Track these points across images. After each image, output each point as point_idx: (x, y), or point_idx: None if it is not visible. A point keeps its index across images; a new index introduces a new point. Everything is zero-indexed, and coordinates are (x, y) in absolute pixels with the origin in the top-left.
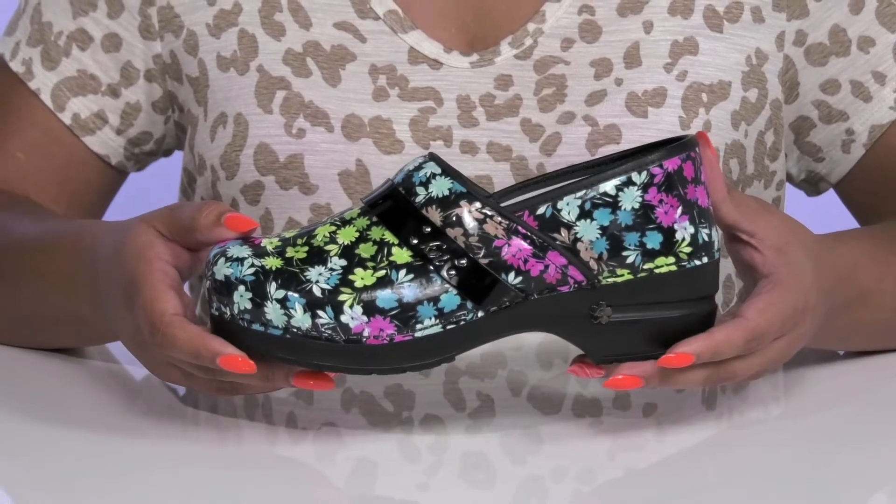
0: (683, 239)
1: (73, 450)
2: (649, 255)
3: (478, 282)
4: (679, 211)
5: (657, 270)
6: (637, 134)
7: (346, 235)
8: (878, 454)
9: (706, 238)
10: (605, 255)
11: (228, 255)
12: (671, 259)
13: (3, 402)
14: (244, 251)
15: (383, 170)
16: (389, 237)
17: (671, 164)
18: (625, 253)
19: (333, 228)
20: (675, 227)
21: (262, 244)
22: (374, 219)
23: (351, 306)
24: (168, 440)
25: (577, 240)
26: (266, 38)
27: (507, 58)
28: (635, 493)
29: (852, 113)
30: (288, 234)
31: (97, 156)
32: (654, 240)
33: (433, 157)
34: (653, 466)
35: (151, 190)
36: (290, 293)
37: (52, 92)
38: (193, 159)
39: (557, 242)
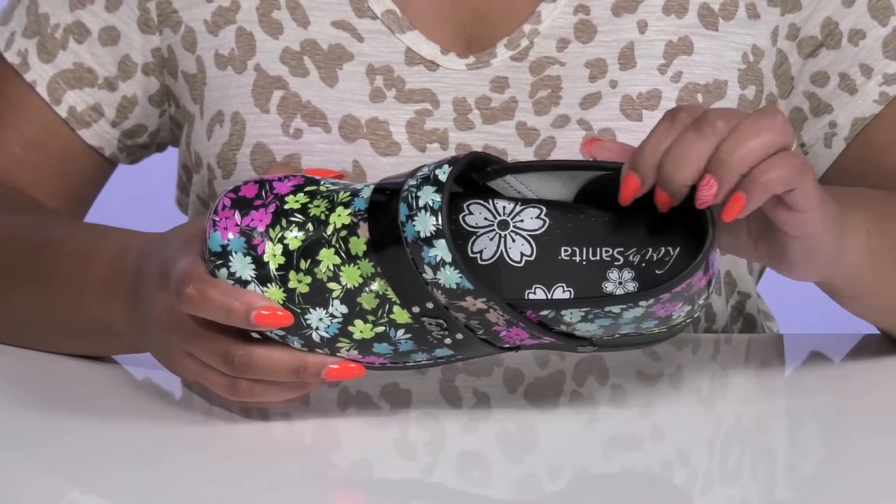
0: (679, 316)
1: (68, 446)
2: (642, 329)
3: (473, 346)
4: (679, 305)
5: (646, 331)
6: (632, 138)
7: (350, 277)
8: (877, 460)
9: (700, 306)
10: (600, 336)
11: (231, 271)
12: (663, 327)
13: (6, 398)
14: (247, 268)
15: (380, 171)
16: (392, 295)
17: (681, 286)
18: (618, 333)
19: (339, 261)
20: (673, 314)
21: (265, 254)
22: (379, 269)
23: (348, 350)
24: (162, 441)
25: (574, 332)
26: (264, 37)
27: (503, 59)
28: (631, 492)
29: (837, 106)
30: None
31: (91, 148)
32: (649, 324)
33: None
34: (649, 465)
35: (150, 189)
36: (289, 335)
37: (48, 85)
38: (190, 157)
39: (555, 331)
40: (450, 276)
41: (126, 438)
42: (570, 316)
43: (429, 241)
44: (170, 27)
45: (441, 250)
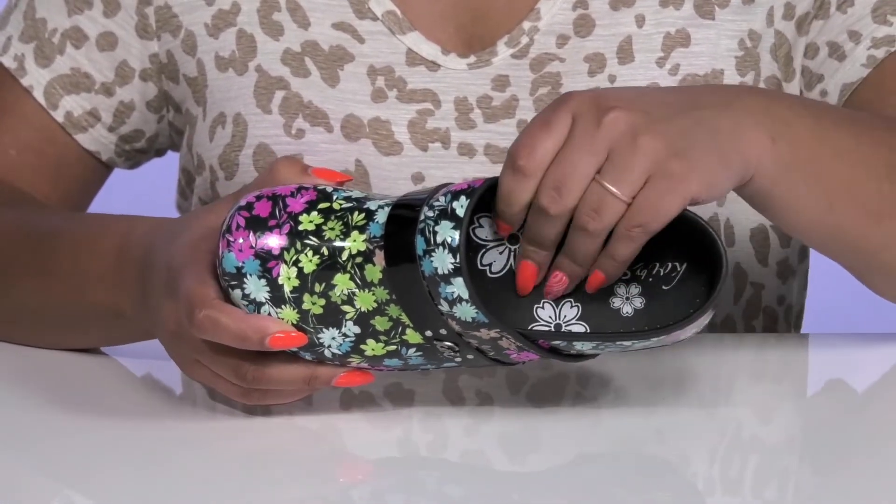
0: (685, 335)
1: (68, 445)
2: (650, 347)
3: (482, 363)
4: (686, 330)
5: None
6: None
7: (364, 302)
8: (879, 464)
9: (704, 321)
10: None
11: (245, 292)
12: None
13: (6, 398)
14: (262, 290)
15: (383, 171)
16: (406, 319)
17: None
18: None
19: (353, 286)
20: (681, 336)
21: (279, 277)
22: (394, 297)
23: (358, 363)
24: (164, 439)
25: (583, 353)
26: (264, 38)
27: (504, 58)
28: (634, 495)
29: (827, 74)
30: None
31: (88, 153)
32: (658, 345)
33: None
34: (652, 468)
35: (150, 192)
36: (301, 350)
37: (45, 90)
38: (192, 159)
39: (565, 354)
40: (466, 311)
41: (127, 436)
42: (582, 346)
43: (446, 279)
44: (169, 32)
45: (458, 288)
